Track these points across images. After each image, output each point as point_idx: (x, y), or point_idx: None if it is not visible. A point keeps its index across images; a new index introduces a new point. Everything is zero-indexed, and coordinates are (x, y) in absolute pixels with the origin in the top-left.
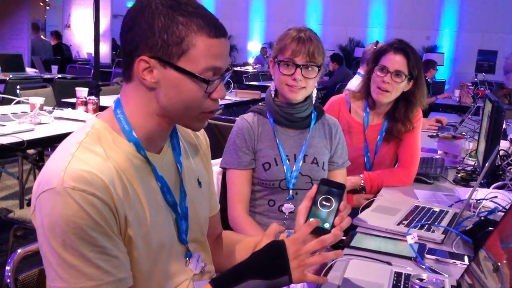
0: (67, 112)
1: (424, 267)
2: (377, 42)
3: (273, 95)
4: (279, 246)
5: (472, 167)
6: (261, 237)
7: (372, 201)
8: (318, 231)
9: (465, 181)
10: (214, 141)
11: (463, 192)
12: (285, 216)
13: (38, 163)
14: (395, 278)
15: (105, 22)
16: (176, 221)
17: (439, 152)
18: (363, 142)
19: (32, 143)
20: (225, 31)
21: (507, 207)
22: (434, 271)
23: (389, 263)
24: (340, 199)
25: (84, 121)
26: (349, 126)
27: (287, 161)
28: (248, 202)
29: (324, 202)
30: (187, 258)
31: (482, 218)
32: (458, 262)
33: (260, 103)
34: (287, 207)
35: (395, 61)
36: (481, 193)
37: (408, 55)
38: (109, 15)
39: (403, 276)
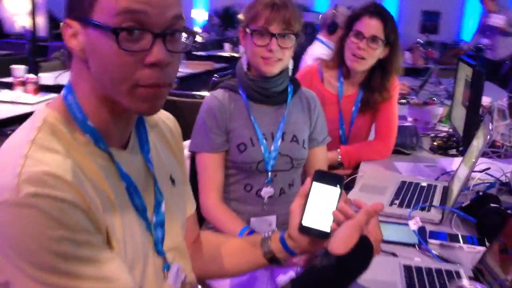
0: (4, 94)
1: (431, 255)
2: (336, 5)
3: (245, 69)
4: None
5: (446, 134)
6: (251, 237)
7: (353, 178)
8: (316, 234)
9: (442, 150)
10: None
11: (447, 163)
12: (264, 202)
13: None
14: (406, 274)
15: None
16: (151, 229)
17: (408, 119)
18: (337, 114)
19: None
20: None
21: (501, 179)
22: (443, 259)
23: (394, 254)
24: (339, 193)
25: (24, 103)
26: (322, 97)
27: (264, 141)
28: (222, 189)
29: (320, 199)
30: (165, 271)
31: (480, 193)
32: (464, 246)
33: (230, 78)
34: (266, 191)
35: (371, 25)
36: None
37: (385, 19)
38: None
39: (413, 269)
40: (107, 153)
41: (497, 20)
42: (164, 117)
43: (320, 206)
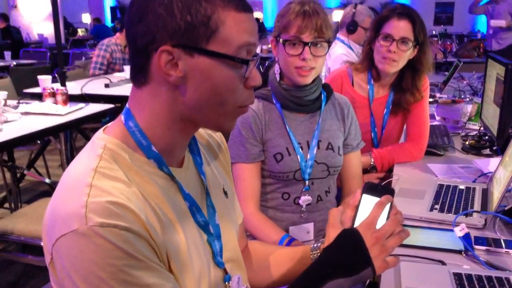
0: (35, 105)
1: (479, 262)
2: (356, 4)
3: (278, 79)
4: (353, 235)
5: (477, 132)
6: (300, 247)
7: (389, 182)
8: None
9: (475, 149)
10: None
11: (483, 164)
12: (303, 209)
13: (7, 163)
14: (457, 282)
15: None
16: (209, 242)
17: (437, 118)
18: (369, 117)
19: (2, 146)
20: (250, 6)
21: None
22: (491, 266)
23: (442, 262)
24: (390, 206)
25: (55, 114)
26: (353, 101)
27: (300, 150)
28: (259, 198)
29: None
30: (226, 282)
31: None
32: (511, 250)
33: (264, 88)
34: (304, 199)
35: (400, 27)
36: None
37: (413, 20)
38: None
39: (464, 277)
40: (169, 175)
41: (498, 24)
42: (211, 132)
43: None
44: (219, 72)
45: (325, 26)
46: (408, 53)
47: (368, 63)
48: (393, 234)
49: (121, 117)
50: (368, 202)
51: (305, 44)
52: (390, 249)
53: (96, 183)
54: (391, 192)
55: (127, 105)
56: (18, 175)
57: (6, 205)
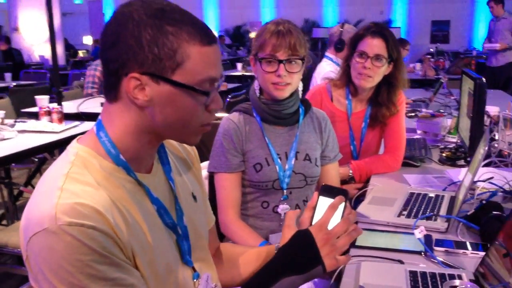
0: (31, 124)
1: (436, 261)
2: (343, 23)
3: (258, 94)
4: (306, 236)
5: (454, 145)
6: (267, 247)
7: (365, 191)
8: None
9: (451, 160)
10: None
11: (454, 173)
12: (281, 217)
13: (4, 180)
14: (411, 279)
15: (55, 22)
16: (177, 242)
17: (418, 131)
18: (348, 130)
19: None
20: (215, 37)
21: (504, 187)
22: (447, 265)
23: (400, 262)
24: (344, 206)
25: (51, 132)
26: (332, 115)
27: (279, 160)
28: (239, 206)
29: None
30: (195, 280)
31: (484, 201)
32: (468, 251)
33: (244, 98)
34: (283, 207)
35: (374, 45)
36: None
37: (386, 38)
38: (59, 14)
39: (418, 274)
40: (136, 180)
41: (491, 47)
42: None
43: None
44: (182, 99)
45: (299, 45)
46: (382, 69)
47: (346, 79)
48: (345, 233)
49: (94, 128)
50: (324, 203)
51: (280, 61)
52: (340, 247)
53: (67, 187)
54: (345, 193)
55: (99, 117)
56: (16, 192)
57: (4, 222)
